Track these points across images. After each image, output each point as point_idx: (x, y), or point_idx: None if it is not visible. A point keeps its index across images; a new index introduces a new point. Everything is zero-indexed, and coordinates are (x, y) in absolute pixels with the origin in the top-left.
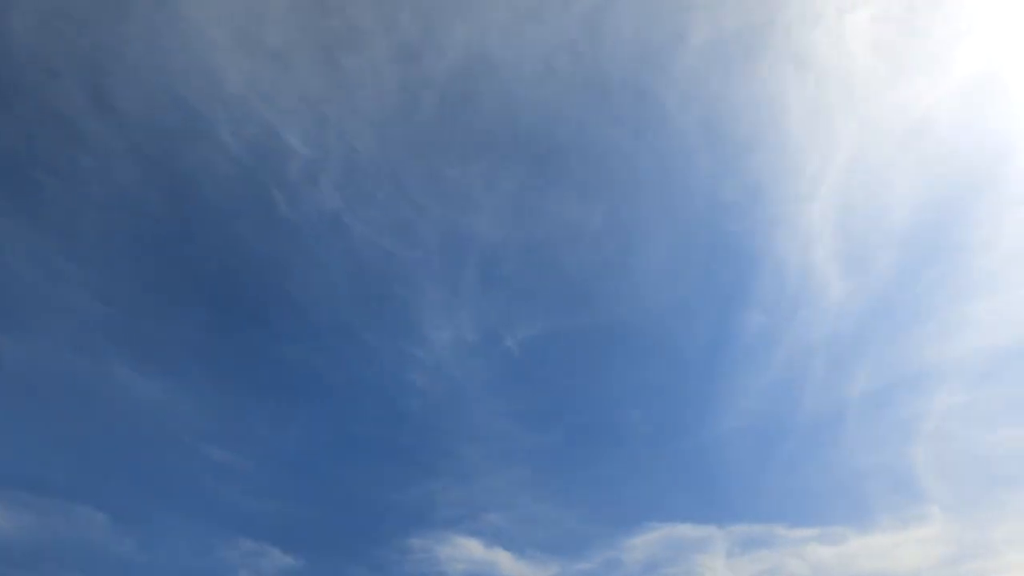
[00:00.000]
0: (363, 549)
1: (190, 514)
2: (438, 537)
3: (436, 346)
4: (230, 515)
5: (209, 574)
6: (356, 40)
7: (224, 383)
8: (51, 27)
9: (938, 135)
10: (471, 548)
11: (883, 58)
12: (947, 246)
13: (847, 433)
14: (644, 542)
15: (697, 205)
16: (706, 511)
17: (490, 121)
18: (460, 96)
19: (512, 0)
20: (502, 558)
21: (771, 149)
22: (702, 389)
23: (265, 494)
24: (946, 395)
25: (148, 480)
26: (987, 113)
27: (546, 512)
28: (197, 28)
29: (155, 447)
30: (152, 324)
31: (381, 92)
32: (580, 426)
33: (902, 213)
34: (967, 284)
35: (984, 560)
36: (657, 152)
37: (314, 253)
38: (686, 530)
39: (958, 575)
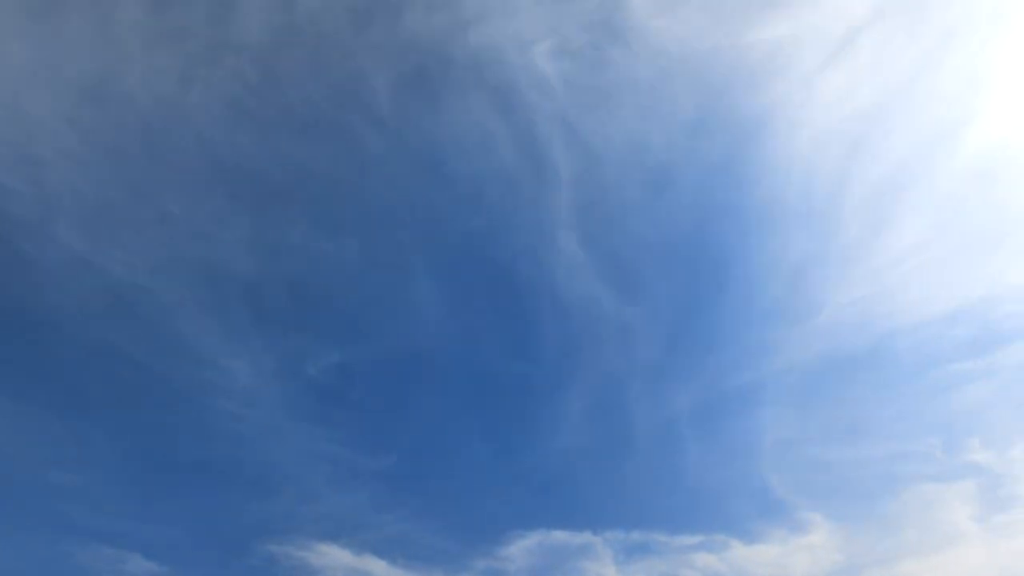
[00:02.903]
0: (226, 557)
1: (42, 528)
2: (300, 545)
3: (238, 374)
4: (83, 528)
5: None
6: (37, 86)
7: (35, 411)
8: None
9: (661, 164)
10: (342, 557)
11: (578, 91)
12: (722, 273)
13: (691, 447)
14: (521, 550)
15: (450, 238)
16: (574, 519)
17: (195, 160)
18: (157, 135)
19: (180, 46)
20: (377, 567)
21: (500, 182)
22: (517, 412)
23: (111, 510)
24: (774, 413)
25: None
26: (715, 146)
27: (409, 530)
28: None
29: None
30: None
31: (79, 134)
32: (411, 449)
33: (654, 240)
34: (757, 310)
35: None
36: (386, 188)
37: (70, 292)
38: (561, 537)
39: None
